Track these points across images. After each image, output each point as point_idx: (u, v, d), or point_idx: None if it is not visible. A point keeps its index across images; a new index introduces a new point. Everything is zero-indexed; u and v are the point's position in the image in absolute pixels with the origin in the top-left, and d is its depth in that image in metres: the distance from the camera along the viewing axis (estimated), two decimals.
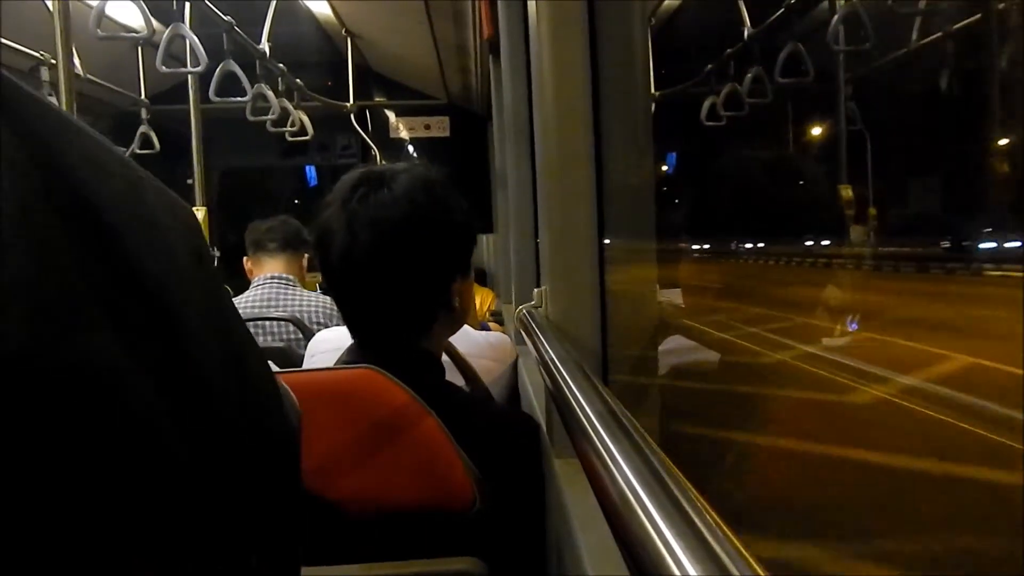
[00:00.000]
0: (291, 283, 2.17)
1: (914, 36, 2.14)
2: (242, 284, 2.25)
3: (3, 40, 2.89)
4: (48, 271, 0.23)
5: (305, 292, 2.18)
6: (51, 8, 1.85)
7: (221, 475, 0.28)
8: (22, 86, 0.25)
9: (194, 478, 0.26)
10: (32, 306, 0.22)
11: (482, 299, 3.03)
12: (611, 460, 0.36)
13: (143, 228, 0.27)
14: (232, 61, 2.92)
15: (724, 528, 0.26)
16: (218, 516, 0.28)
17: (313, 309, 2.13)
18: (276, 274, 2.16)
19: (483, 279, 3.98)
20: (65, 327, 0.23)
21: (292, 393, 0.35)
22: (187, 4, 2.64)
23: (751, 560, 0.23)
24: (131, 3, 2.22)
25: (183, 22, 2.58)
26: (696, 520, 0.27)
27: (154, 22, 2.33)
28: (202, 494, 0.27)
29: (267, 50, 3.29)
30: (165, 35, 2.51)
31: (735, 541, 0.25)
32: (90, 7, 2.24)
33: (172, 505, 0.26)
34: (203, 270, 0.30)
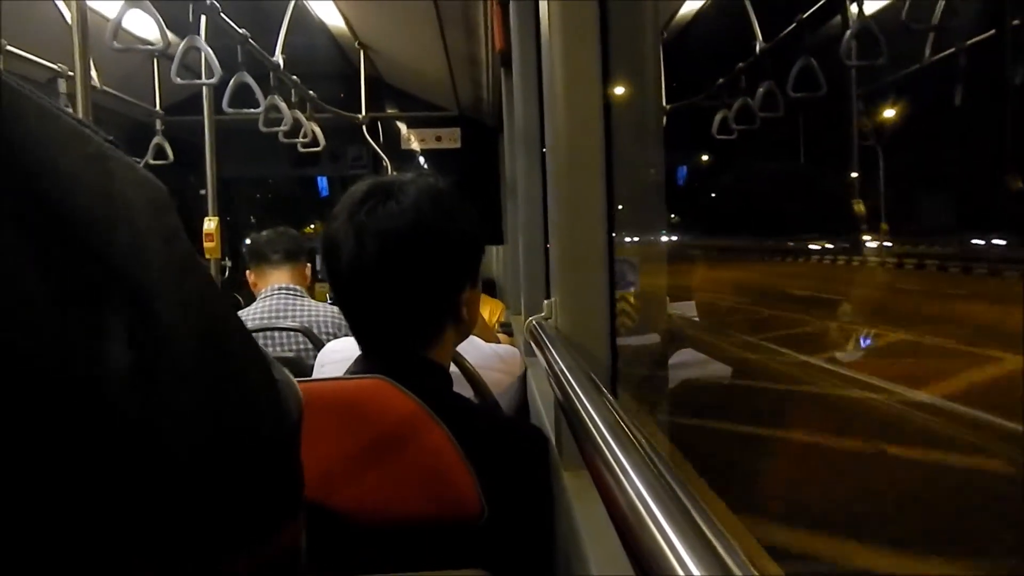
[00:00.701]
0: (299, 294, 2.17)
1: (927, 52, 2.14)
2: (253, 295, 2.26)
3: (22, 52, 2.94)
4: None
5: (314, 302, 2.18)
6: (69, 21, 1.87)
7: (201, 457, 0.27)
8: None
9: (171, 458, 0.26)
10: None
11: (491, 310, 3.03)
12: (621, 472, 0.36)
13: (104, 202, 0.27)
14: (246, 73, 2.94)
15: (736, 541, 0.25)
16: (195, 502, 0.27)
17: (323, 319, 2.13)
18: (283, 285, 2.17)
19: (493, 290, 3.98)
20: (20, 310, 0.22)
21: (296, 385, 0.34)
22: (202, 17, 2.67)
23: (763, 573, 0.23)
24: (147, 16, 2.25)
25: (198, 34, 2.61)
26: (708, 533, 0.26)
27: (169, 34, 2.36)
28: (179, 477, 0.26)
29: (280, 62, 3.32)
30: (180, 47, 2.54)
31: (747, 555, 0.24)
32: (107, 20, 2.27)
33: (149, 487, 0.25)
34: (175, 247, 0.29)
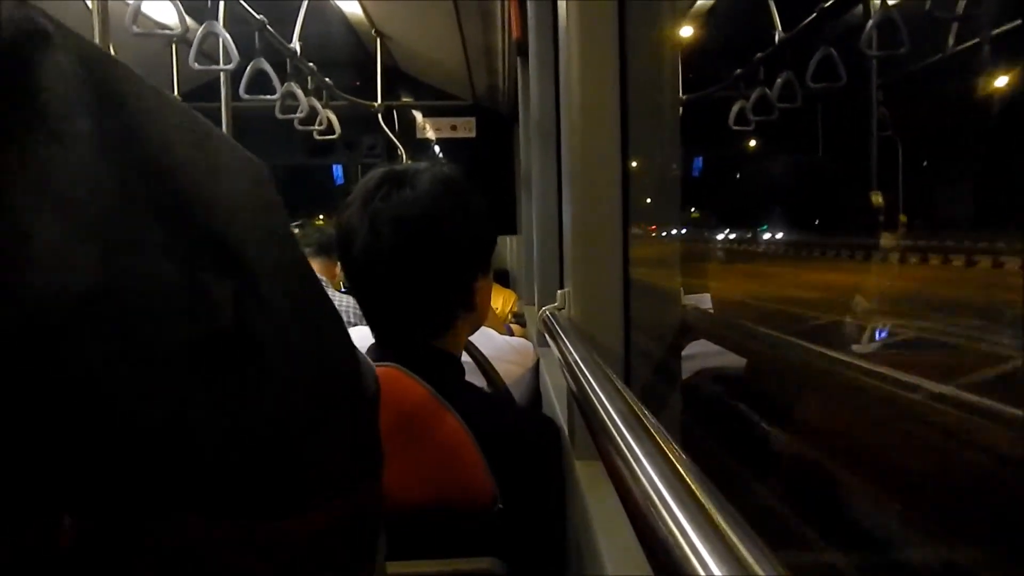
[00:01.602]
0: (326, 284, 2.20)
1: (951, 41, 2.10)
2: None
3: None
4: (121, 212, 0.26)
5: (337, 294, 2.21)
6: (90, 6, 1.89)
7: (292, 413, 0.29)
8: (94, 44, 0.28)
9: (265, 410, 0.28)
10: (104, 245, 0.25)
11: (504, 300, 3.03)
12: (635, 461, 0.36)
13: (209, 175, 0.30)
14: (263, 59, 2.95)
15: (751, 530, 0.25)
16: (287, 455, 0.29)
17: (344, 309, 2.15)
18: None
19: (506, 280, 3.98)
20: (135, 262, 0.25)
21: (372, 365, 0.37)
22: (221, 3, 2.67)
23: (779, 563, 0.23)
24: (167, 1, 2.26)
25: (217, 20, 2.62)
26: (722, 522, 0.26)
27: (188, 20, 2.37)
28: (273, 428, 0.29)
29: (298, 49, 3.32)
30: (199, 33, 2.55)
31: (762, 544, 0.24)
32: (127, 5, 2.28)
33: (246, 435, 0.28)
34: (273, 218, 0.32)
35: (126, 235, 0.26)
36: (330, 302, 0.34)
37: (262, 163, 0.33)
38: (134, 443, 0.26)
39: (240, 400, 0.28)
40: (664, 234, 1.13)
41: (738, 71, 3.42)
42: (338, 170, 6.73)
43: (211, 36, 2.57)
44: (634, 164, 0.92)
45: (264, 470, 0.29)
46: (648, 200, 1.07)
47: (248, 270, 0.29)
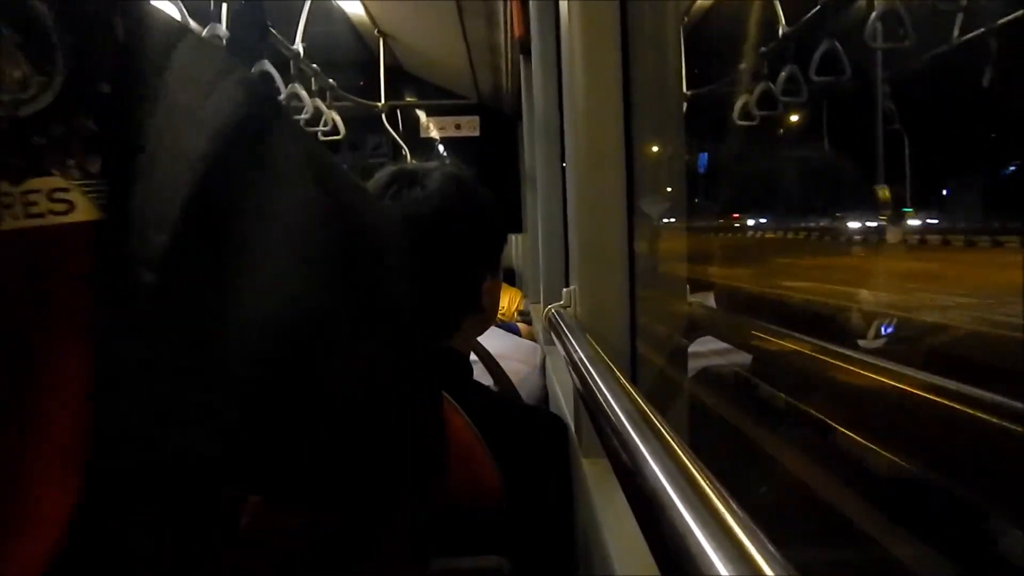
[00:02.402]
0: None
1: (955, 33, 2.09)
2: None
3: None
4: (336, 247, 0.33)
5: None
6: None
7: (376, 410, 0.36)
8: (302, 126, 0.37)
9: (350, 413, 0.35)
10: (323, 274, 0.32)
11: (510, 298, 3.03)
12: (641, 460, 0.36)
13: (377, 226, 0.38)
14: (267, 61, 2.96)
15: (757, 529, 0.25)
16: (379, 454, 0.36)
17: None
18: None
19: (511, 278, 3.98)
20: (332, 296, 0.32)
21: None
22: (224, 5, 2.68)
23: (785, 561, 0.23)
24: (170, 3, 2.26)
25: (220, 23, 2.63)
26: (728, 520, 0.26)
27: (191, 23, 2.37)
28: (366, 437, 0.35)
29: (301, 50, 3.33)
30: (203, 34, 2.56)
31: (768, 542, 0.24)
32: None
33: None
34: (405, 258, 0.41)
35: (334, 273, 0.32)
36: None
37: (399, 216, 0.41)
38: (348, 438, 0.33)
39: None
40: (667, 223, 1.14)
41: (741, 65, 3.41)
42: None
43: (215, 39, 2.58)
44: (639, 160, 0.92)
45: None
46: (653, 194, 1.07)
47: (398, 308, 0.38)
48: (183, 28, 0.33)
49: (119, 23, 0.31)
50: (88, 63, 0.30)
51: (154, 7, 0.34)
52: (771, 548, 0.24)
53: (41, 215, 0.28)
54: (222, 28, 2.62)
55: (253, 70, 2.95)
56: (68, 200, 0.29)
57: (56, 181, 0.29)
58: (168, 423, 0.30)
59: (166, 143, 0.30)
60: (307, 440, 0.32)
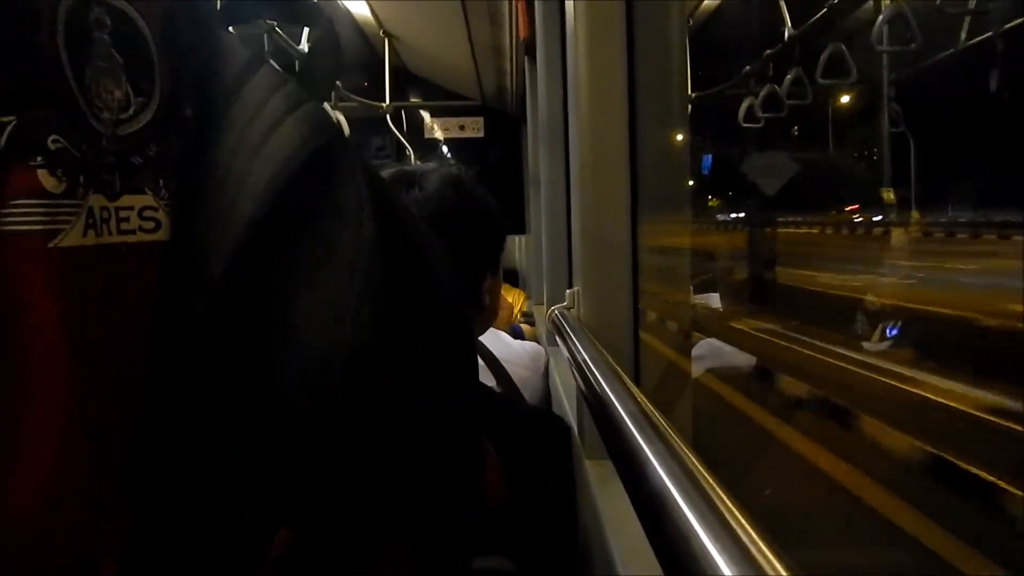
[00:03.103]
0: None
1: (963, 36, 2.09)
2: None
3: None
4: (388, 284, 0.33)
5: None
6: None
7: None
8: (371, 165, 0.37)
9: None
10: (375, 309, 0.32)
11: (514, 300, 3.03)
12: (645, 462, 0.36)
13: (425, 256, 0.39)
14: (272, 62, 2.96)
15: (760, 530, 0.25)
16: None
17: None
18: None
19: (515, 280, 3.98)
20: (389, 328, 0.33)
21: None
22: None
23: (788, 563, 0.23)
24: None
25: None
26: (732, 523, 0.26)
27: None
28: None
29: (306, 51, 3.33)
30: None
31: (772, 544, 0.24)
32: None
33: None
34: (450, 280, 0.42)
35: (392, 305, 0.33)
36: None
37: (440, 244, 0.42)
38: (383, 469, 0.34)
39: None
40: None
41: (747, 68, 3.40)
42: None
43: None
44: (644, 162, 0.92)
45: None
46: (656, 195, 1.07)
47: (446, 328, 0.39)
48: (259, 59, 0.35)
49: (202, 50, 0.33)
50: (179, 86, 0.31)
51: (232, 37, 0.36)
52: (776, 548, 0.24)
53: (132, 232, 0.29)
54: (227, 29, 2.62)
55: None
56: (156, 219, 0.30)
57: (147, 199, 0.30)
58: (216, 449, 0.30)
59: (233, 173, 0.31)
60: (361, 472, 0.33)
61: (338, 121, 4.00)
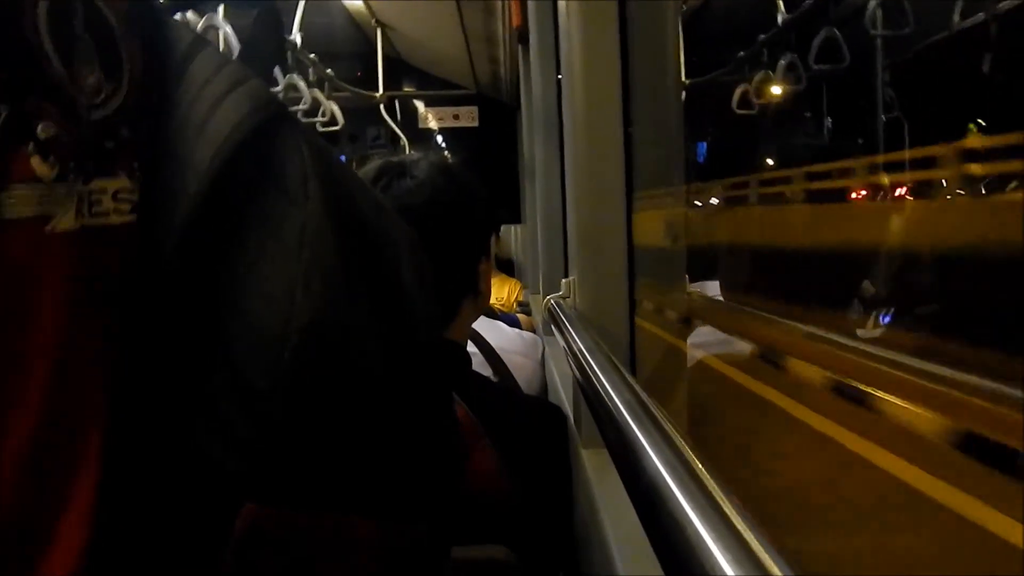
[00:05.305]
0: None
1: (956, 18, 2.08)
2: None
3: None
4: (338, 259, 0.33)
5: None
6: None
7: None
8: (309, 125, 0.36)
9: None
10: (324, 286, 0.32)
11: (510, 289, 3.03)
12: (640, 450, 0.36)
13: (384, 230, 0.39)
14: (214, 43, 2.94)
15: (755, 519, 0.26)
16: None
17: None
18: None
19: (510, 269, 3.98)
20: (340, 301, 0.32)
21: None
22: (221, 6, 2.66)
23: (783, 552, 0.23)
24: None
25: (217, 13, 2.61)
26: (726, 511, 0.27)
27: (189, 13, 2.36)
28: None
29: (298, 41, 3.31)
30: (199, 25, 2.54)
31: (766, 532, 0.25)
32: None
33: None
34: (420, 257, 0.43)
35: (341, 278, 0.33)
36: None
37: (408, 227, 0.43)
38: (343, 445, 0.33)
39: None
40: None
41: (741, 53, 3.39)
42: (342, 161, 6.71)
43: (211, 29, 2.57)
44: (638, 150, 0.92)
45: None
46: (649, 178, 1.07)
47: (405, 305, 0.38)
48: (202, 40, 0.34)
49: (146, 33, 0.33)
50: (147, 72, 0.32)
51: (178, 22, 0.36)
52: (770, 538, 0.24)
53: (106, 214, 0.30)
54: (219, 18, 2.61)
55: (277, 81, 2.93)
56: (132, 200, 0.31)
57: (121, 182, 0.30)
58: (185, 432, 0.31)
59: (180, 151, 0.31)
60: (324, 447, 0.33)
61: (332, 112, 3.96)
